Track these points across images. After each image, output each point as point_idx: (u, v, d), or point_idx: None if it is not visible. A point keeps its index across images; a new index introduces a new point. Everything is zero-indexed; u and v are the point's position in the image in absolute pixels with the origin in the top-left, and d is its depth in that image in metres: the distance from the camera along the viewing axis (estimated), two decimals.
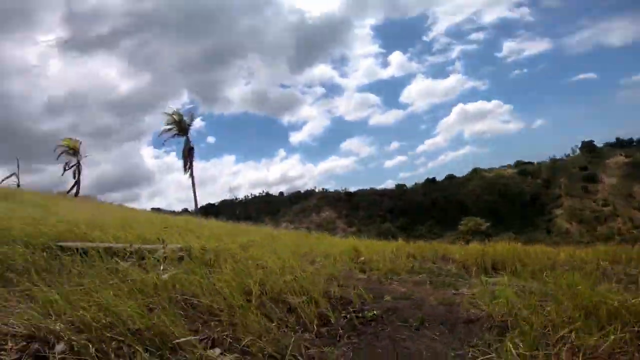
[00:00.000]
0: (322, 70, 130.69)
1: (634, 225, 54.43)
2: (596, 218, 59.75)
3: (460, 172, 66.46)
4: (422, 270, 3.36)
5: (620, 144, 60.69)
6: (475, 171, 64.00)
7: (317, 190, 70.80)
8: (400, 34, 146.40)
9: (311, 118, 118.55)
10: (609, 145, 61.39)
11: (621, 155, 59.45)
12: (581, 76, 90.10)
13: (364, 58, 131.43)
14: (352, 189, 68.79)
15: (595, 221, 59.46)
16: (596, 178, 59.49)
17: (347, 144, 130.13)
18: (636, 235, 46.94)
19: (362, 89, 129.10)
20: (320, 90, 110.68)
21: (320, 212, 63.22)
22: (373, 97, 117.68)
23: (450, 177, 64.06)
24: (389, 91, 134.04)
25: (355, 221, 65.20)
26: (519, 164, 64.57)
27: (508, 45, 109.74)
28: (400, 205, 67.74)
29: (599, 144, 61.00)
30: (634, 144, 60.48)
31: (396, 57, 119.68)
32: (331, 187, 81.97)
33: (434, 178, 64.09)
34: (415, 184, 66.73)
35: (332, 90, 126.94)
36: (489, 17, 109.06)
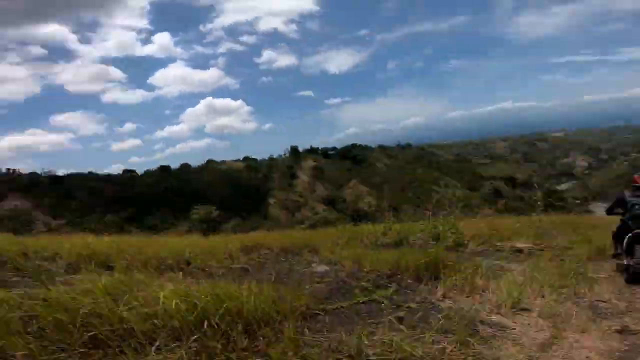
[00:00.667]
0: (52, 29, 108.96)
1: (314, 213, 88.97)
2: (297, 207, 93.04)
3: (198, 162, 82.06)
4: None
5: (312, 151, 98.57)
6: (209, 162, 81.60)
7: None
8: (179, 16, 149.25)
9: (8, 80, 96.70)
10: (306, 150, 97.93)
11: (311, 159, 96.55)
12: (304, 92, 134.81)
13: (123, 29, 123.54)
14: (61, 172, 66.85)
15: (296, 209, 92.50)
16: (296, 176, 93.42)
17: (63, 118, 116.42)
18: (317, 219, 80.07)
19: (105, 60, 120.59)
20: (38, 50, 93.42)
21: (4, 201, 57.27)
22: (117, 72, 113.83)
23: (185, 166, 77.72)
24: (140, 70, 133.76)
25: (67, 213, 64.19)
26: (246, 159, 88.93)
27: (268, 54, 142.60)
28: (128, 193, 72.87)
29: (301, 148, 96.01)
30: (319, 152, 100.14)
31: (163, 37, 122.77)
32: (27, 167, 73.78)
33: (168, 166, 75.23)
34: (147, 170, 74.93)
35: (59, 54, 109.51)
36: (265, 25, 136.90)
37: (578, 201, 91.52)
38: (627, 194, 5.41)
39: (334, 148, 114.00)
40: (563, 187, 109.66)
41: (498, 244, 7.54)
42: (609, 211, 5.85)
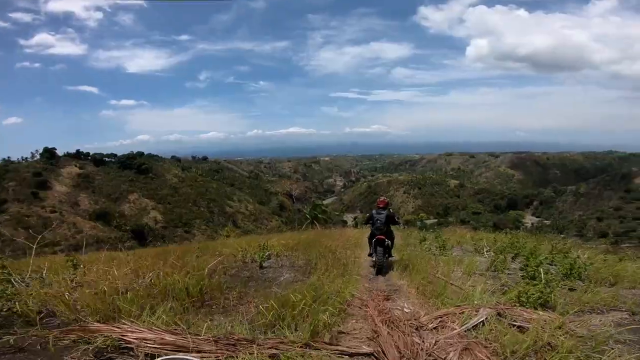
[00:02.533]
0: None
1: (77, 231, 69.51)
2: (44, 224, 69.53)
3: None
4: None
5: (78, 156, 77.95)
6: None
7: None
8: None
9: None
10: (68, 155, 76.44)
11: (76, 166, 76.00)
12: (85, 88, 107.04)
13: None
14: None
15: (43, 227, 68.94)
16: (48, 185, 70.63)
17: None
18: (79, 240, 61.14)
19: None
20: None
21: None
22: None
23: None
24: None
25: None
26: None
27: (42, 37, 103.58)
28: None
29: (62, 152, 73.85)
30: (89, 157, 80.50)
31: None
32: None
33: None
34: None
35: None
36: (56, 6, 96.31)
37: (337, 213, 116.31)
38: (374, 211, 7.48)
39: (112, 155, 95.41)
40: (327, 201, 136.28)
41: None
42: (366, 222, 8.05)
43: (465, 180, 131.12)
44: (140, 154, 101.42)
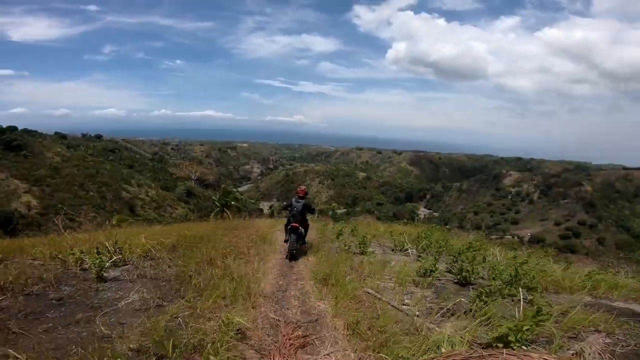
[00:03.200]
0: None
1: None
2: None
3: None
4: None
5: None
6: None
7: None
8: None
9: None
10: None
11: None
12: None
13: None
14: None
15: None
16: None
17: None
18: None
19: None
20: None
21: None
22: None
23: None
24: None
25: None
26: None
27: None
28: None
29: None
30: None
31: None
32: None
33: None
34: None
35: None
36: None
37: (253, 201, 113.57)
38: (293, 200, 7.73)
39: None
40: (243, 189, 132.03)
41: None
42: (284, 209, 8.34)
43: (372, 174, 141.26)
44: (13, 128, 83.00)
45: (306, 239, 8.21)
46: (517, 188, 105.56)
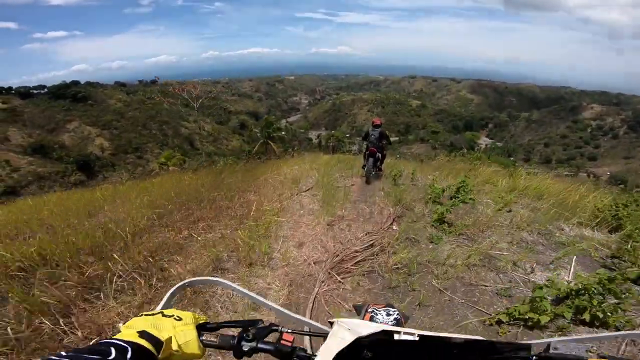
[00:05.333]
0: None
1: (13, 169, 59.18)
2: None
3: None
4: None
5: None
6: None
7: None
8: None
9: None
10: None
11: None
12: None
13: None
14: None
15: None
16: None
17: None
18: (18, 179, 52.67)
19: None
20: None
21: None
22: None
23: None
24: None
25: None
26: None
27: None
28: None
29: None
30: (12, 91, 67.05)
31: None
32: None
33: None
34: None
35: None
36: None
37: (302, 130, 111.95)
38: (370, 129, 7.98)
39: (41, 86, 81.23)
40: (292, 119, 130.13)
41: None
42: (363, 139, 8.28)
43: (427, 102, 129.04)
44: (76, 82, 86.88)
45: (382, 167, 8.28)
46: (598, 121, 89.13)
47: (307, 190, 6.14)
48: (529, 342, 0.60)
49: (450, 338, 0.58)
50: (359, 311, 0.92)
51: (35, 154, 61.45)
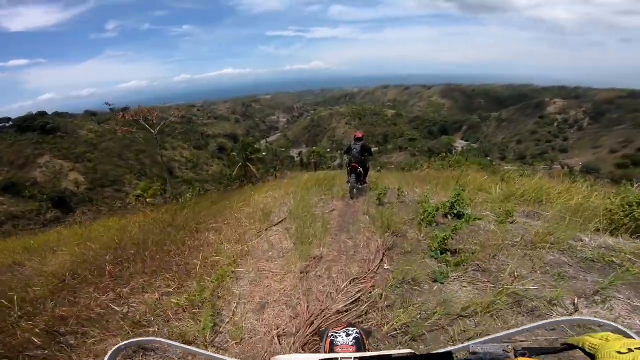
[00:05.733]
0: None
1: None
2: None
3: None
4: None
5: None
6: None
7: None
8: None
9: None
10: None
11: None
12: None
13: None
14: None
15: None
16: None
17: None
18: None
19: None
20: None
21: None
22: None
23: None
24: None
25: None
26: None
27: None
28: None
29: None
30: None
31: None
32: None
33: None
34: None
35: None
36: None
37: (283, 149, 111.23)
38: (352, 143, 7.69)
39: (6, 119, 77.77)
40: (272, 138, 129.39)
41: None
42: (345, 153, 8.13)
43: (401, 110, 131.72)
44: (43, 113, 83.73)
45: (367, 180, 8.17)
46: (563, 115, 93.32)
47: (280, 222, 5.24)
48: (449, 349, 0.60)
49: (383, 356, 0.60)
50: (321, 338, 0.97)
51: (6, 192, 57.80)
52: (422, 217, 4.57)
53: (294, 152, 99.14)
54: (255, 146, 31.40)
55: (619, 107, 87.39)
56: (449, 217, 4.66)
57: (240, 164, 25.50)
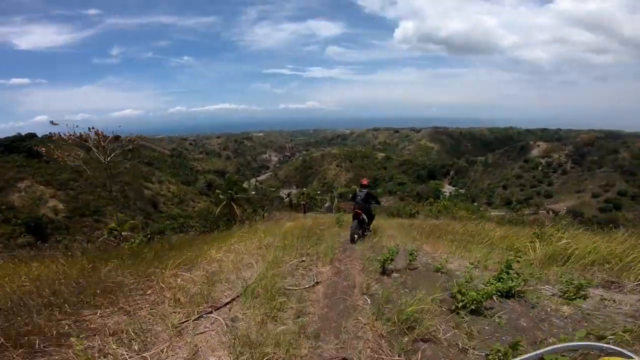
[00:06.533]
0: None
1: None
2: None
3: None
4: None
5: None
6: None
7: None
8: None
9: None
10: None
11: None
12: None
13: None
14: None
15: None
16: None
17: None
18: None
19: None
20: None
21: None
22: None
23: None
24: None
25: None
26: None
27: None
28: None
29: None
30: None
31: None
32: None
33: None
34: None
35: None
36: None
37: (273, 189, 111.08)
38: (357, 190, 8.04)
39: None
40: (262, 177, 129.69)
41: None
42: (351, 199, 8.23)
43: (391, 153, 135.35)
44: (32, 134, 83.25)
45: (370, 227, 8.21)
46: (547, 159, 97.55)
47: (227, 305, 3.40)
48: None
49: None
50: None
51: None
52: (460, 301, 3.17)
53: (283, 193, 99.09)
54: (244, 185, 31.17)
55: (599, 149, 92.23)
56: (494, 298, 3.38)
57: (224, 202, 25.14)
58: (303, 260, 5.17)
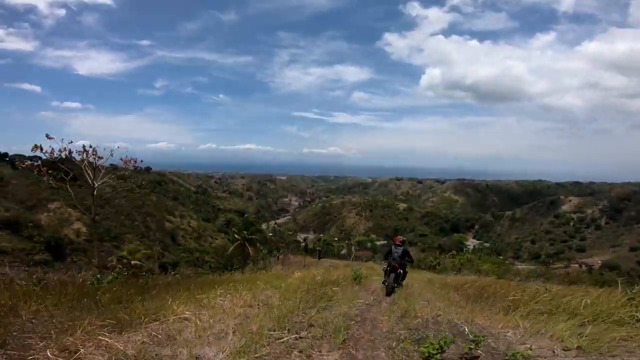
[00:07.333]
0: None
1: None
2: None
3: None
4: None
5: None
6: None
7: None
8: None
9: None
10: None
11: None
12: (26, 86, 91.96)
13: None
14: None
15: None
16: None
17: None
18: None
19: None
20: None
21: None
22: None
23: None
24: None
25: None
26: None
27: None
28: None
29: None
30: (7, 158, 68.69)
31: None
32: None
33: None
34: None
35: None
36: None
37: (290, 232, 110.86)
38: (392, 247, 8.67)
39: (36, 158, 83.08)
40: (281, 221, 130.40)
41: None
42: (385, 257, 9.10)
43: (413, 204, 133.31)
44: (68, 157, 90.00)
45: (402, 283, 8.71)
46: (578, 214, 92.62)
47: None
48: None
49: None
50: None
51: (6, 228, 58.65)
52: None
53: (300, 237, 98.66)
54: (262, 226, 31.97)
55: (636, 203, 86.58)
56: None
57: (238, 242, 25.71)
58: (301, 338, 3.52)
